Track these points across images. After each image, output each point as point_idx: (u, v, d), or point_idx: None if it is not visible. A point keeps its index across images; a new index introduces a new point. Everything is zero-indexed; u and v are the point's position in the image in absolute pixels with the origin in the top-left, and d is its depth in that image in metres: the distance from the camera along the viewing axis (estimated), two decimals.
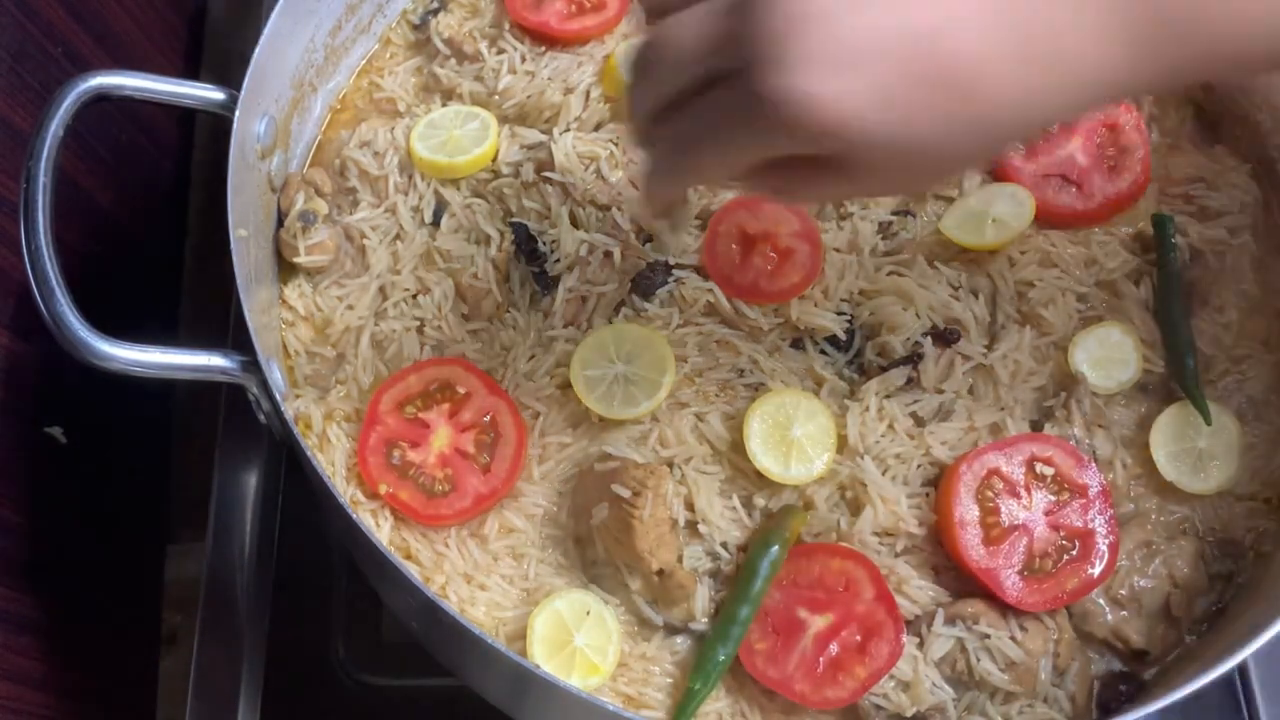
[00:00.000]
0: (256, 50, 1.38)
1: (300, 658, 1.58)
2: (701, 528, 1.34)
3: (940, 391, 1.40)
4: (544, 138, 1.54)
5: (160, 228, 2.03)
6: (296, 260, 1.48)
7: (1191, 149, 1.63)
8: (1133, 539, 1.37)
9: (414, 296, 1.47)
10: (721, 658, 1.26)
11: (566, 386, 1.40)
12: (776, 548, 1.29)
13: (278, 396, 1.27)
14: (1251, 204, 1.57)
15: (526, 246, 1.46)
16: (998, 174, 1.56)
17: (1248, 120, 1.65)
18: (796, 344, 1.44)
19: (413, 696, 1.57)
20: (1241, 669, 1.54)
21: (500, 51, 1.61)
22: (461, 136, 1.53)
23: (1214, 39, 0.91)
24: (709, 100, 0.92)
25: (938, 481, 1.37)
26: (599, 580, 1.34)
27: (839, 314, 1.44)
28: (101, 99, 1.32)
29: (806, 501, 1.35)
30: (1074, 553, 1.32)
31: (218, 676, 1.52)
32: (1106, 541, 1.32)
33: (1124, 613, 1.35)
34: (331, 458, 1.37)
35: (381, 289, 1.48)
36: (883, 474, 1.35)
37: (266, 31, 1.40)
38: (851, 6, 0.83)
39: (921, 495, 1.36)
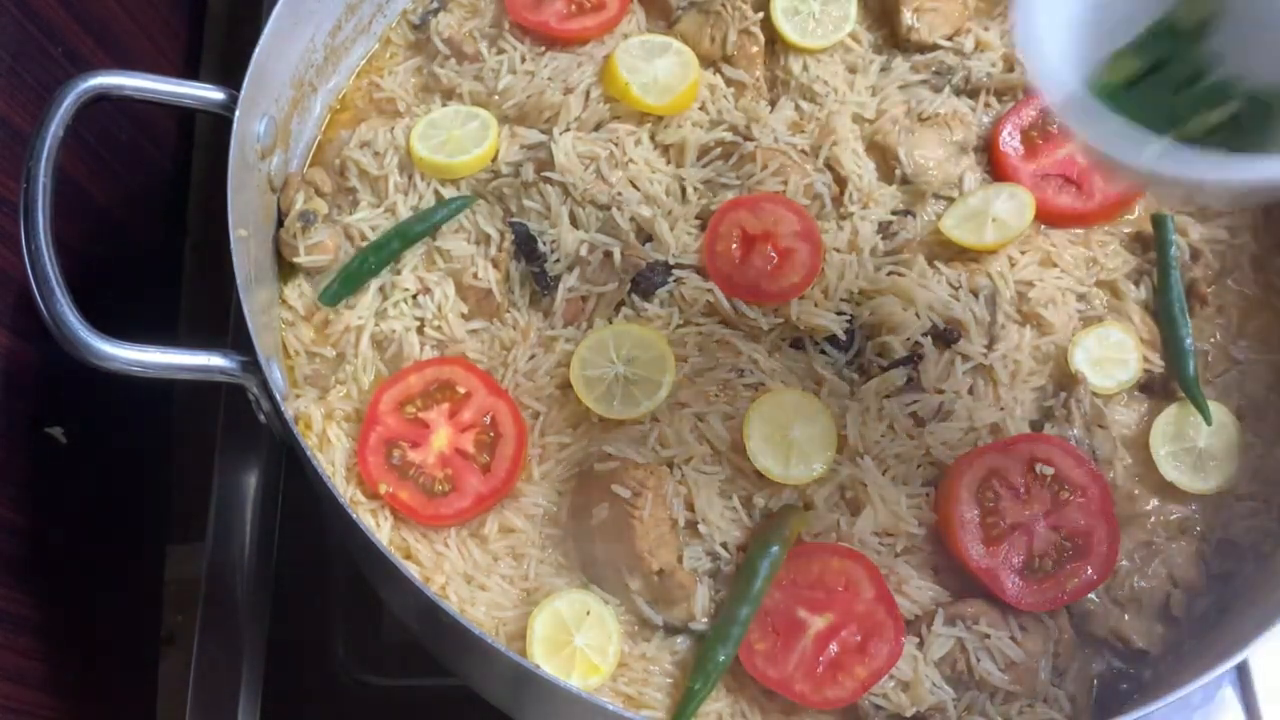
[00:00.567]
0: (256, 50, 1.38)
1: (300, 658, 1.58)
2: (701, 528, 1.34)
3: (940, 391, 1.40)
4: (544, 138, 1.54)
5: (160, 228, 2.03)
6: (296, 260, 1.48)
7: None
8: (1133, 539, 1.38)
9: (414, 296, 1.47)
10: (721, 658, 1.26)
11: (566, 386, 1.40)
12: (776, 548, 1.29)
13: (278, 396, 1.27)
14: (1251, 204, 1.57)
15: (526, 246, 1.46)
16: (998, 173, 1.56)
17: None
18: (796, 344, 1.44)
19: (413, 696, 1.57)
20: (1241, 669, 1.54)
21: (500, 51, 1.61)
22: (461, 136, 1.53)
23: None
24: None
25: (938, 481, 1.37)
26: (599, 580, 1.34)
27: (839, 314, 1.44)
28: (101, 99, 1.32)
29: (806, 501, 1.35)
30: (1074, 553, 1.32)
31: (218, 676, 1.52)
32: (1106, 541, 1.32)
33: (1124, 613, 1.35)
34: (331, 458, 1.37)
35: (381, 289, 1.48)
36: (883, 474, 1.35)
37: (266, 31, 1.40)
38: None
39: (921, 495, 1.36)
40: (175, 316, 2.06)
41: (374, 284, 1.48)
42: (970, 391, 1.42)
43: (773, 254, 1.44)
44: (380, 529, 1.34)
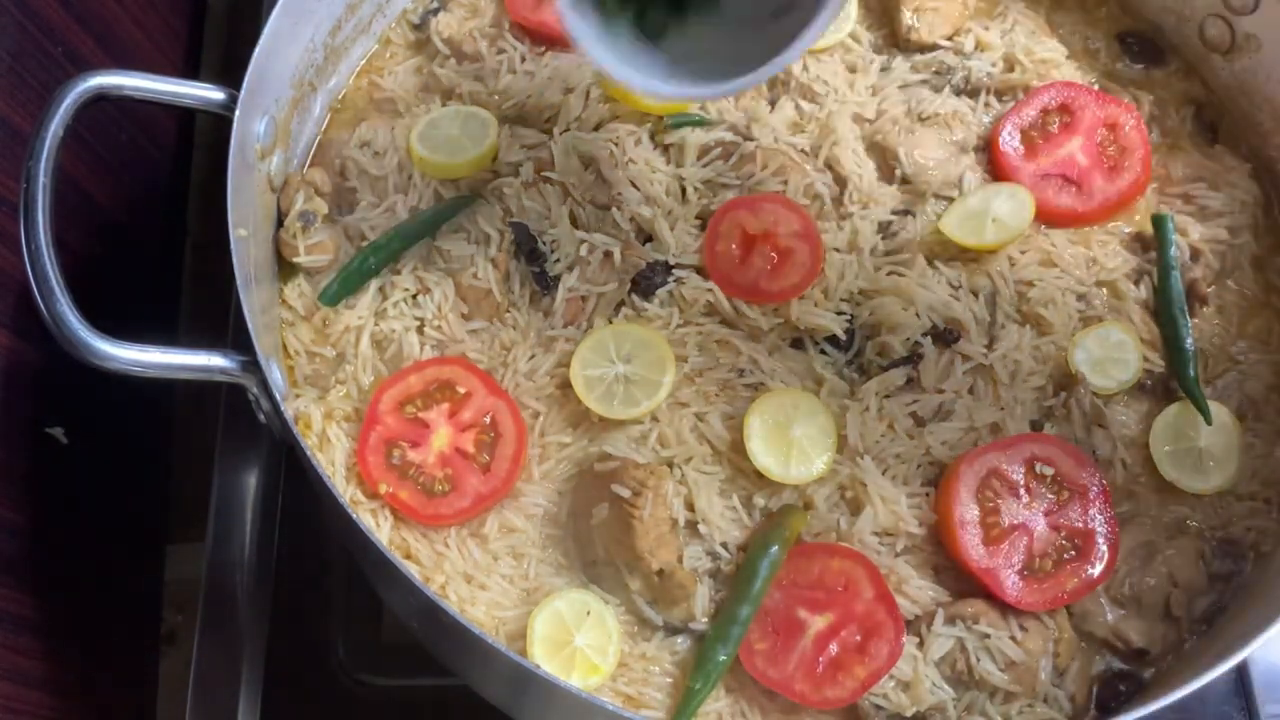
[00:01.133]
0: (256, 50, 1.38)
1: (300, 658, 1.58)
2: (701, 528, 1.34)
3: (940, 391, 1.40)
4: (544, 138, 1.54)
5: (160, 228, 2.03)
6: (296, 260, 1.48)
7: (1191, 149, 1.63)
8: (1133, 539, 1.38)
9: (414, 296, 1.47)
10: (722, 658, 1.26)
11: (566, 386, 1.40)
12: (776, 548, 1.29)
13: (278, 396, 1.27)
14: (1251, 204, 1.57)
15: (526, 246, 1.46)
16: (998, 173, 1.56)
17: (1248, 120, 1.65)
18: (796, 344, 1.44)
19: (413, 696, 1.57)
20: (1241, 669, 1.54)
21: (500, 51, 1.61)
22: (461, 136, 1.53)
23: None
24: None
25: (938, 481, 1.37)
26: (599, 580, 1.34)
27: (839, 314, 1.44)
28: (101, 99, 1.32)
29: (806, 501, 1.35)
30: (1074, 553, 1.32)
31: (218, 676, 1.52)
32: (1106, 541, 1.32)
33: (1124, 613, 1.35)
34: (331, 458, 1.37)
35: (381, 289, 1.48)
36: (883, 474, 1.35)
37: (266, 31, 1.40)
38: None
39: (921, 495, 1.36)
40: (175, 316, 2.06)
41: (374, 284, 1.48)
42: (970, 391, 1.42)
43: (773, 254, 1.44)
44: (380, 529, 1.34)
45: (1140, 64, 1.70)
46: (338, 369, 1.44)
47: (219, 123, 1.37)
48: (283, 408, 1.27)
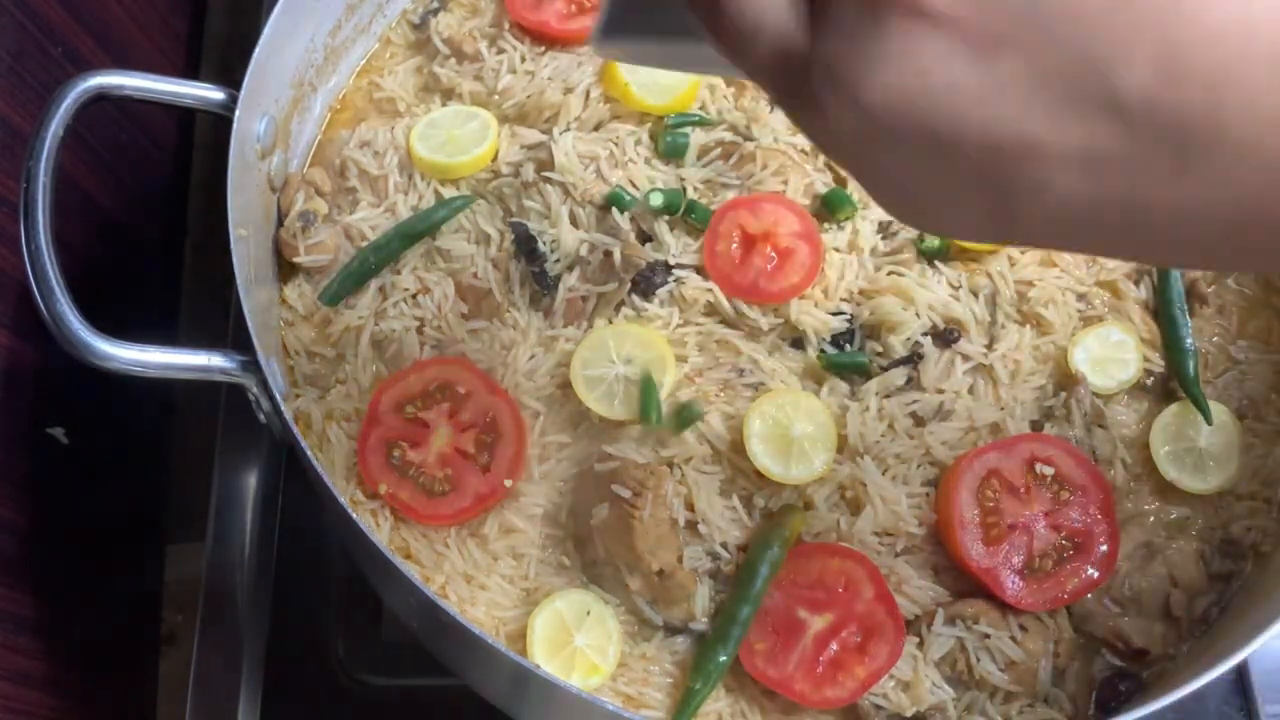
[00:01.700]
0: (256, 50, 1.38)
1: (300, 658, 1.58)
2: (701, 528, 1.34)
3: (940, 391, 1.40)
4: (544, 137, 1.54)
5: (160, 228, 2.03)
6: (296, 260, 1.48)
7: None
8: (1133, 539, 1.38)
9: (414, 296, 1.47)
10: (722, 658, 1.26)
11: (566, 386, 1.40)
12: (776, 548, 1.29)
13: (278, 396, 1.27)
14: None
15: (526, 246, 1.46)
16: None
17: None
18: (796, 344, 1.44)
19: (413, 696, 1.57)
20: (1241, 669, 1.54)
21: (500, 51, 1.61)
22: (461, 136, 1.53)
23: None
24: None
25: (938, 481, 1.37)
26: (599, 580, 1.34)
27: (839, 314, 1.44)
28: (101, 99, 1.32)
29: (806, 501, 1.35)
30: (1074, 553, 1.32)
31: (218, 676, 1.52)
32: (1106, 541, 1.32)
33: (1124, 613, 1.35)
34: (331, 458, 1.37)
35: (381, 289, 1.48)
36: (883, 474, 1.35)
37: (266, 31, 1.40)
38: None
39: (921, 495, 1.36)
40: (175, 316, 2.06)
41: (374, 284, 1.48)
42: (970, 391, 1.42)
43: (773, 254, 1.44)
44: (380, 529, 1.34)
45: None
46: (338, 369, 1.44)
47: (219, 123, 1.37)
48: (283, 408, 1.27)
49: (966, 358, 1.42)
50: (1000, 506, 1.32)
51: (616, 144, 1.52)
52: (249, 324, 1.26)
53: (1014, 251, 1.50)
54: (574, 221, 1.48)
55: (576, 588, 1.33)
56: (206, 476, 1.62)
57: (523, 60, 1.60)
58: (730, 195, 1.49)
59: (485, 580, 1.34)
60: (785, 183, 1.50)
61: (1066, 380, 1.43)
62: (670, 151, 1.53)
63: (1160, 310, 1.49)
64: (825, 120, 0.62)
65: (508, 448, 1.36)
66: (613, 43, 1.07)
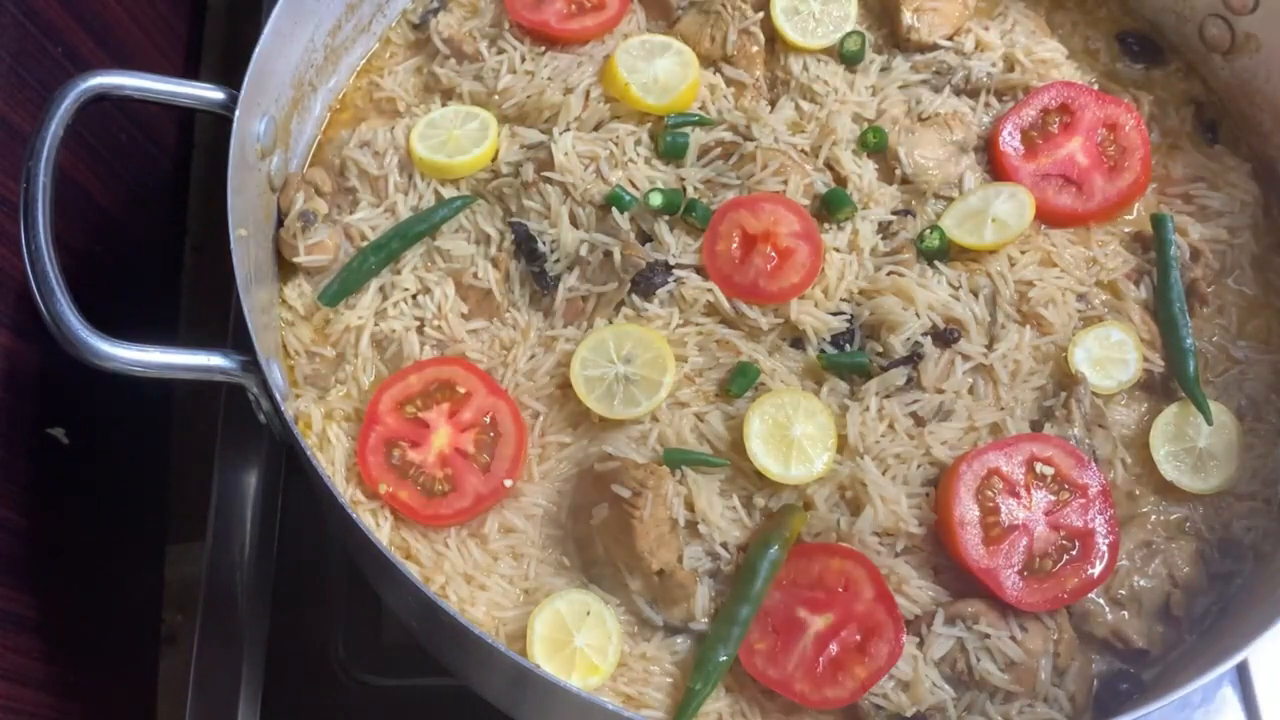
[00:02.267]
0: (256, 50, 1.38)
1: (300, 658, 1.58)
2: (701, 528, 1.34)
3: (940, 391, 1.40)
4: (544, 137, 1.54)
5: (160, 228, 2.03)
6: (296, 260, 1.48)
7: (1191, 149, 1.63)
8: (1133, 539, 1.38)
9: (414, 296, 1.47)
10: (722, 658, 1.26)
11: (566, 386, 1.40)
12: (776, 548, 1.29)
13: (278, 396, 1.27)
14: (1251, 204, 1.57)
15: (526, 246, 1.46)
16: (998, 173, 1.56)
17: (1248, 120, 1.65)
18: (796, 344, 1.44)
19: (413, 696, 1.57)
20: (1242, 668, 1.54)
21: (500, 51, 1.61)
22: (461, 136, 1.53)
23: None
24: None
25: (938, 481, 1.37)
26: (599, 580, 1.34)
27: (839, 314, 1.44)
28: (101, 99, 1.32)
29: (806, 501, 1.35)
30: (1074, 553, 1.32)
31: (218, 676, 1.52)
32: (1106, 541, 1.32)
33: (1124, 613, 1.35)
34: (331, 458, 1.37)
35: (381, 289, 1.48)
36: (883, 474, 1.35)
37: (266, 31, 1.40)
38: None
39: (921, 495, 1.36)
40: (175, 316, 2.06)
41: (374, 284, 1.48)
42: (970, 391, 1.42)
43: (773, 254, 1.44)
44: (380, 529, 1.34)
45: (1140, 64, 1.70)
46: (338, 369, 1.44)
47: (219, 123, 1.37)
48: (283, 408, 1.27)
49: (966, 358, 1.42)
50: (1000, 506, 1.32)
51: (616, 144, 1.52)
52: (249, 324, 1.26)
53: (1014, 251, 1.50)
54: (574, 221, 1.48)
55: (576, 588, 1.33)
56: (206, 476, 1.62)
57: (523, 60, 1.60)
58: (730, 195, 1.49)
59: (485, 580, 1.33)
60: (785, 183, 1.50)
61: (1066, 380, 1.43)
62: (670, 151, 1.53)
63: (1160, 310, 1.49)
64: None
65: (508, 448, 1.36)
66: None
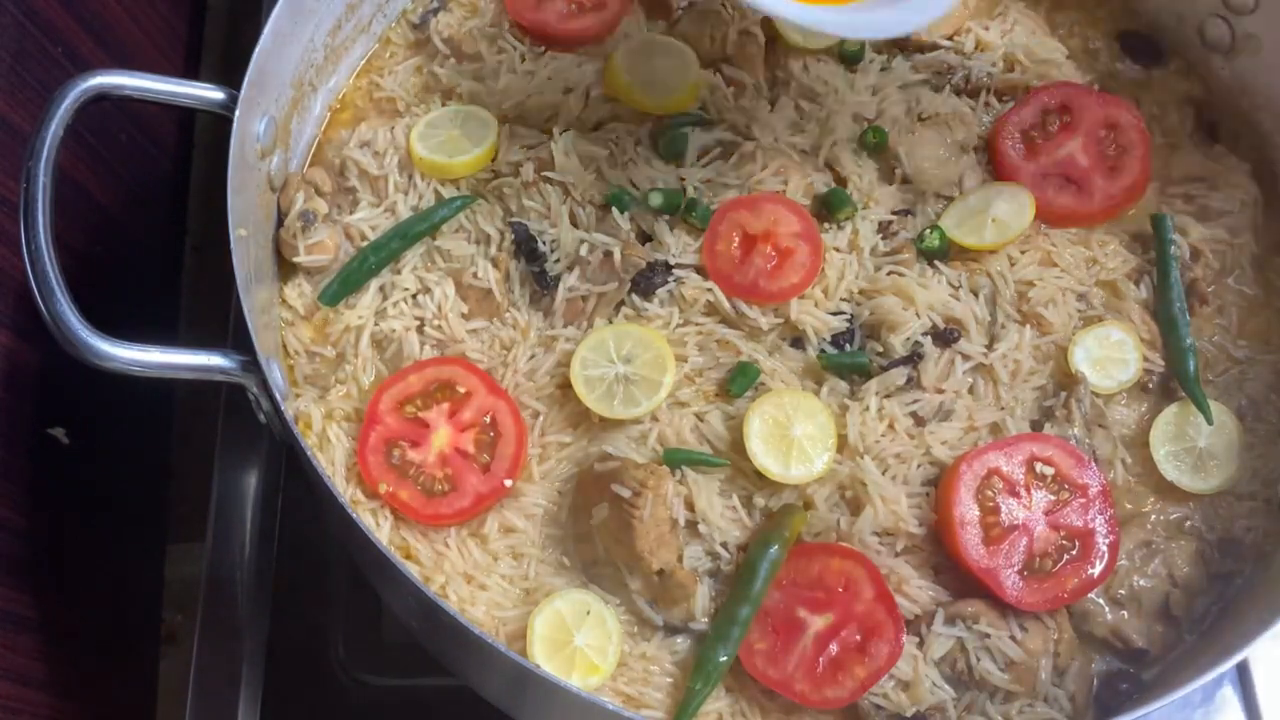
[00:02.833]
0: (256, 50, 1.38)
1: (300, 658, 1.58)
2: (701, 528, 1.34)
3: (940, 391, 1.40)
4: (544, 138, 1.54)
5: (160, 228, 2.03)
6: (296, 260, 1.48)
7: (1191, 149, 1.63)
8: (1133, 539, 1.38)
9: (414, 296, 1.47)
10: (722, 658, 1.26)
11: (566, 386, 1.40)
12: (776, 548, 1.29)
13: (278, 396, 1.27)
14: (1251, 204, 1.57)
15: (526, 246, 1.46)
16: (998, 173, 1.56)
17: (1248, 120, 1.65)
18: (796, 343, 1.44)
19: (413, 696, 1.57)
20: (1242, 668, 1.54)
21: (500, 51, 1.61)
22: (461, 136, 1.53)
23: None
24: None
25: (938, 481, 1.37)
26: (599, 580, 1.34)
27: (839, 314, 1.44)
28: (101, 99, 1.32)
29: (806, 501, 1.35)
30: (1074, 552, 1.32)
31: (218, 676, 1.52)
32: (1106, 541, 1.32)
33: (1124, 612, 1.35)
34: (331, 457, 1.37)
35: (381, 289, 1.48)
36: (883, 473, 1.35)
37: (266, 31, 1.40)
38: None
39: (921, 495, 1.36)
40: (175, 316, 2.06)
41: (374, 284, 1.48)
42: (970, 391, 1.42)
43: (773, 254, 1.44)
44: (380, 529, 1.34)
45: (1140, 64, 1.70)
46: (338, 369, 1.44)
47: (219, 123, 1.37)
48: (283, 408, 1.27)
49: (967, 357, 1.42)
50: (1000, 506, 1.32)
51: (616, 144, 1.52)
52: (249, 324, 1.26)
53: (1014, 251, 1.50)
54: (574, 221, 1.48)
55: (576, 588, 1.33)
56: (206, 476, 1.63)
57: (523, 60, 1.60)
58: (730, 195, 1.49)
59: (485, 580, 1.33)
60: (785, 183, 1.50)
61: (1066, 380, 1.43)
62: (670, 151, 1.53)
63: (1160, 310, 1.49)
64: None
65: (508, 447, 1.36)
66: None
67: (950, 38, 1.65)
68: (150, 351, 1.25)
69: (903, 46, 1.65)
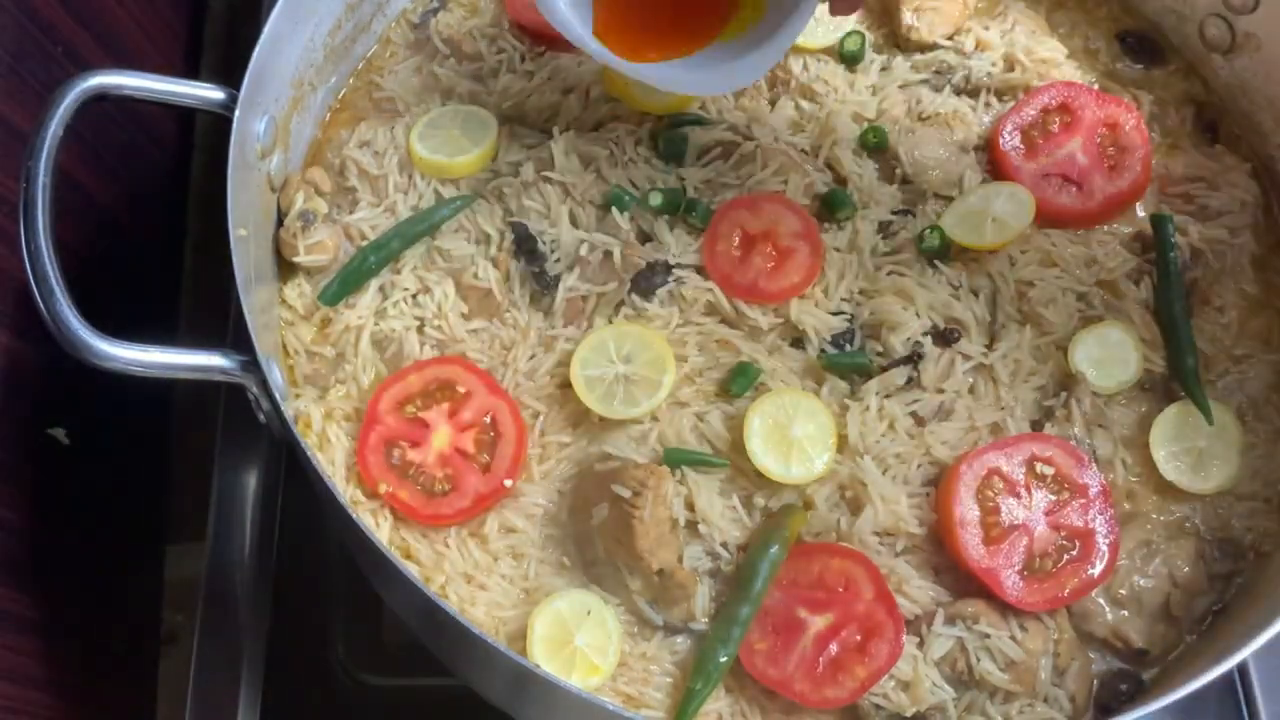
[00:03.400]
0: (256, 50, 1.38)
1: (300, 658, 1.58)
2: (701, 528, 1.34)
3: (940, 391, 1.40)
4: (544, 138, 1.54)
5: (160, 228, 2.03)
6: (296, 259, 1.48)
7: (1191, 149, 1.63)
8: (1133, 539, 1.38)
9: (414, 296, 1.47)
10: (722, 658, 1.26)
11: (566, 386, 1.40)
12: (776, 548, 1.29)
13: (277, 396, 1.27)
14: (1251, 203, 1.57)
15: (526, 246, 1.46)
16: (998, 173, 1.56)
17: (1248, 120, 1.65)
18: (796, 343, 1.44)
19: (413, 696, 1.57)
20: (1241, 669, 1.54)
21: (500, 51, 1.61)
22: (461, 136, 1.53)
23: None
24: None
25: (938, 481, 1.37)
26: (599, 580, 1.34)
27: (839, 314, 1.44)
28: (101, 98, 1.32)
29: (806, 501, 1.35)
30: (1074, 552, 1.32)
31: (218, 676, 1.52)
32: (1106, 541, 1.32)
33: (1124, 612, 1.35)
34: (331, 457, 1.37)
35: (381, 289, 1.48)
36: (883, 473, 1.35)
37: (266, 31, 1.40)
38: None
39: (922, 495, 1.36)
40: (175, 316, 2.06)
41: (374, 283, 1.48)
42: (970, 391, 1.42)
43: (773, 254, 1.44)
44: (380, 529, 1.34)
45: (1140, 64, 1.70)
46: (338, 369, 1.44)
47: (219, 123, 1.37)
48: (283, 408, 1.27)
49: (967, 357, 1.42)
50: (1000, 506, 1.32)
51: (616, 144, 1.52)
52: (249, 324, 1.26)
53: (1014, 251, 1.50)
54: (574, 221, 1.48)
55: (576, 588, 1.33)
56: (206, 476, 1.63)
57: (522, 60, 1.60)
58: (730, 195, 1.49)
59: (485, 580, 1.33)
60: (785, 183, 1.50)
61: (1067, 380, 1.43)
62: (670, 151, 1.53)
63: (1160, 310, 1.49)
64: None
65: (508, 447, 1.36)
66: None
67: (950, 37, 1.65)
68: (150, 351, 1.25)
69: (903, 46, 1.65)
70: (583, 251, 1.45)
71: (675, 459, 1.35)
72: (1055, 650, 1.31)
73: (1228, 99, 1.67)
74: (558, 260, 1.46)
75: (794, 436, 1.34)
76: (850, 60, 1.62)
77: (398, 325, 1.45)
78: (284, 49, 1.47)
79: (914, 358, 1.41)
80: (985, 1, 1.71)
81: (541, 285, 1.45)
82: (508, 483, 1.35)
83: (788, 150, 1.52)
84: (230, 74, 1.39)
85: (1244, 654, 1.18)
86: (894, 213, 1.52)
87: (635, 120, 1.56)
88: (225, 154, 1.32)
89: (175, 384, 1.84)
